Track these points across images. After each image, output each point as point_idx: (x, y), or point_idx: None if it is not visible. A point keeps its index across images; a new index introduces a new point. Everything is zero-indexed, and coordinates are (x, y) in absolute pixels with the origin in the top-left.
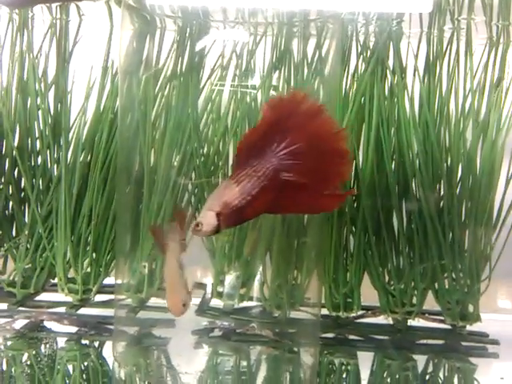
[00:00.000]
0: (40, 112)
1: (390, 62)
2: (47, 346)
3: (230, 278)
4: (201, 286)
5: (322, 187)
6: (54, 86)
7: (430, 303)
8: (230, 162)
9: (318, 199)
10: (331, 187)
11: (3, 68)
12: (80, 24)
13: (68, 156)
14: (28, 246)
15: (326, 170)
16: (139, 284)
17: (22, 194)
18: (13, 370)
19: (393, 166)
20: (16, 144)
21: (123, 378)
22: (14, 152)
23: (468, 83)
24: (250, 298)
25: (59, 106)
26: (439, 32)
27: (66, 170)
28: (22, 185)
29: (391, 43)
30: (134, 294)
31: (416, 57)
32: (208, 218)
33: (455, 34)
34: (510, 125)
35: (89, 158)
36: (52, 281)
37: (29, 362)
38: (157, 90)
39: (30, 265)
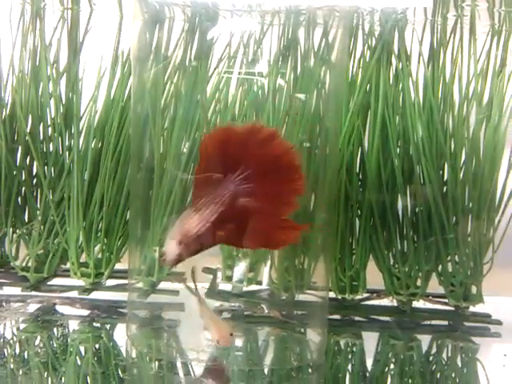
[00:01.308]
0: (52, 100)
1: (395, 49)
2: (60, 328)
3: (238, 265)
4: (210, 270)
5: (279, 208)
6: (65, 74)
7: (434, 286)
8: None
9: (276, 229)
10: (288, 207)
11: (15, 57)
12: (91, 14)
13: (80, 143)
14: (41, 231)
15: (281, 190)
16: (150, 268)
17: (35, 180)
18: (26, 351)
19: (398, 150)
20: (28, 131)
21: (136, 357)
22: (28, 138)
23: (471, 69)
24: (258, 282)
25: (71, 94)
26: (443, 19)
27: (78, 156)
28: (34, 172)
29: (396, 31)
30: (145, 277)
31: (420, 44)
32: (170, 247)
33: (459, 21)
34: None
35: (100, 145)
36: (63, 266)
37: (42, 344)
38: (166, 78)
39: (42, 250)
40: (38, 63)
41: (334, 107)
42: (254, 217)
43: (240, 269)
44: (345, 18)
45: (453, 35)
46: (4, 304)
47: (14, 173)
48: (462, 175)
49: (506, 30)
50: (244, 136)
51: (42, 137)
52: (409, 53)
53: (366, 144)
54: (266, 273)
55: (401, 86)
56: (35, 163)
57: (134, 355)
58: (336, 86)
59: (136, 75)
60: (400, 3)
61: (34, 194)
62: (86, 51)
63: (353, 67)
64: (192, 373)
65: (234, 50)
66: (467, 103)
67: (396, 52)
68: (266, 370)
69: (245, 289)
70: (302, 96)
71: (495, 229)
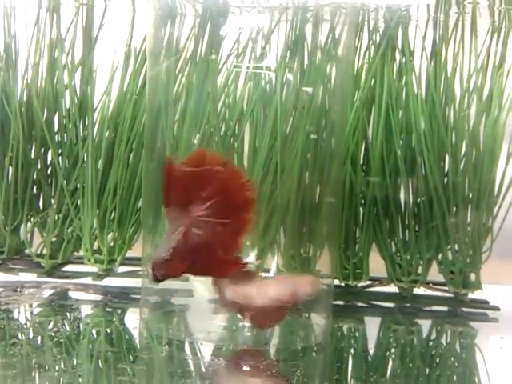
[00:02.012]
0: (67, 92)
1: (399, 45)
2: (73, 312)
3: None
4: None
5: (224, 244)
6: (80, 67)
7: (434, 274)
8: (246, 143)
9: (224, 262)
10: (233, 245)
11: (31, 49)
12: (105, 9)
13: (94, 134)
14: (55, 219)
15: (232, 222)
16: None
17: (50, 170)
18: (40, 335)
19: (401, 142)
20: (44, 120)
21: (148, 338)
22: (44, 128)
23: (472, 64)
24: (266, 269)
25: (85, 86)
26: (445, 16)
27: (92, 147)
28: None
29: (400, 27)
30: None
31: (423, 40)
32: (150, 268)
33: (460, 18)
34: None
35: (113, 135)
36: (77, 253)
37: (56, 328)
38: (178, 70)
39: (56, 238)
40: (54, 56)
41: (340, 101)
42: (207, 252)
43: (247, 257)
44: (351, 14)
45: (454, 32)
46: (19, 289)
47: (31, 162)
48: (462, 166)
49: (506, 27)
50: (201, 169)
51: (57, 127)
52: (412, 48)
53: (370, 136)
54: (273, 260)
55: (404, 80)
56: (50, 153)
57: (146, 336)
58: (342, 80)
59: (150, 68)
60: (403, 0)
61: (49, 183)
62: (100, 45)
63: (358, 62)
64: (199, 353)
65: (242, 46)
66: (468, 97)
67: (400, 48)
68: (272, 351)
69: None
70: (309, 90)
71: (494, 218)
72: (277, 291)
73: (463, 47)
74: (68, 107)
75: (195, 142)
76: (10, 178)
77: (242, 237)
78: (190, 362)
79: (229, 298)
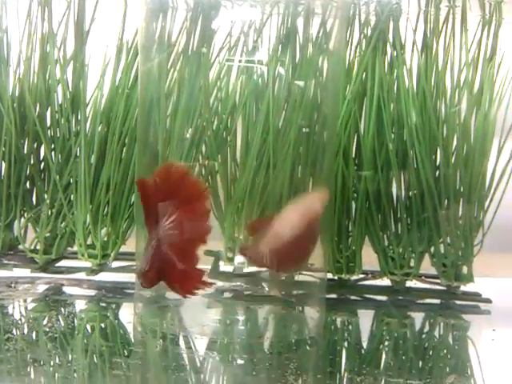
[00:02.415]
0: (60, 87)
1: (390, 38)
2: (68, 307)
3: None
4: (212, 252)
5: (183, 259)
6: (72, 62)
7: (426, 267)
8: (238, 136)
9: (184, 275)
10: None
11: (23, 44)
12: (97, 3)
13: (86, 129)
14: (49, 214)
15: (190, 233)
16: None
17: (42, 165)
18: (35, 330)
19: (392, 135)
20: (36, 115)
21: (142, 333)
22: (36, 123)
23: (463, 58)
24: None
25: (77, 81)
26: (436, 10)
27: (84, 141)
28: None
29: (391, 21)
30: None
31: (414, 33)
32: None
33: (451, 11)
34: (502, 96)
35: (106, 130)
36: (70, 248)
37: (50, 323)
38: (170, 64)
39: (49, 233)
40: (46, 51)
41: (332, 94)
42: (166, 263)
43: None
44: (342, 8)
45: (445, 25)
46: (13, 285)
47: (23, 158)
48: (453, 160)
49: (496, 19)
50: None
51: (49, 122)
52: (403, 42)
53: (362, 129)
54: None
55: (395, 73)
56: (43, 148)
57: (140, 330)
58: (333, 74)
59: (142, 62)
60: None
61: (42, 178)
62: (92, 40)
63: (349, 55)
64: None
65: (234, 39)
66: (459, 90)
67: (391, 41)
68: (266, 344)
69: (246, 270)
70: (300, 83)
71: (485, 212)
72: (295, 217)
73: (454, 41)
74: (60, 102)
75: (187, 136)
76: (2, 174)
77: (198, 247)
78: (185, 355)
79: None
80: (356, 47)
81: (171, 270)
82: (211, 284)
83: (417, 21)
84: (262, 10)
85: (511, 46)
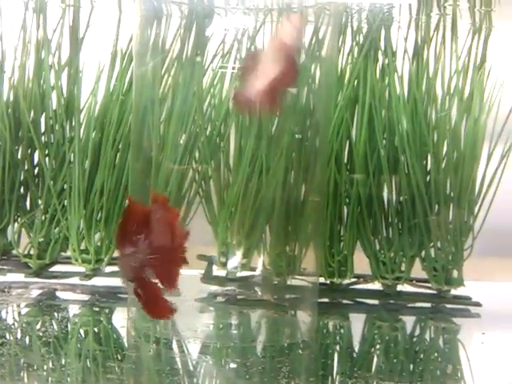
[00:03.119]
0: (54, 93)
1: (381, 46)
2: (61, 312)
3: (233, 253)
4: (205, 257)
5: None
6: (66, 68)
7: (417, 272)
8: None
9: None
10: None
11: (18, 51)
12: (91, 11)
13: (80, 134)
14: (43, 219)
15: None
16: None
17: (36, 170)
18: (29, 335)
19: (384, 141)
20: (31, 121)
21: (136, 337)
22: (31, 129)
23: (453, 65)
24: (252, 268)
25: (72, 87)
26: (427, 18)
27: (78, 147)
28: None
29: (383, 29)
30: None
31: (405, 41)
32: None
33: (441, 19)
34: (492, 103)
35: (100, 136)
36: (64, 253)
37: (44, 328)
38: (164, 71)
39: (43, 238)
40: (40, 57)
41: (324, 101)
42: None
43: (234, 255)
44: (334, 16)
45: (436, 33)
46: (7, 290)
47: (18, 163)
48: (444, 165)
49: (486, 27)
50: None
51: (43, 128)
52: (394, 49)
53: (353, 135)
54: (259, 259)
55: (387, 80)
56: (37, 154)
57: (134, 335)
58: (326, 81)
59: (136, 69)
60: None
61: (36, 183)
62: (87, 46)
63: (342, 63)
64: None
65: (228, 46)
66: (449, 97)
67: (382, 49)
68: (259, 348)
69: (239, 274)
70: (293, 90)
71: (475, 216)
72: (271, 58)
73: (444, 48)
74: (55, 108)
75: (181, 141)
76: None
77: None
78: (178, 359)
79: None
80: (348, 54)
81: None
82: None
83: (408, 29)
84: (255, 17)
85: (501, 53)
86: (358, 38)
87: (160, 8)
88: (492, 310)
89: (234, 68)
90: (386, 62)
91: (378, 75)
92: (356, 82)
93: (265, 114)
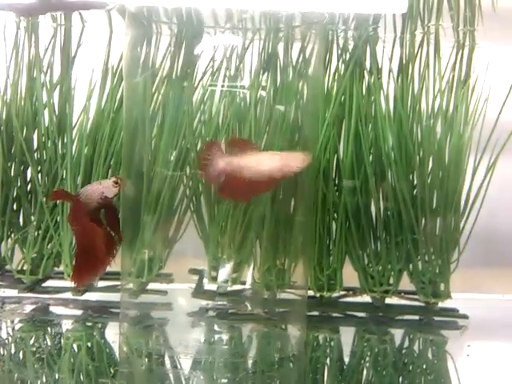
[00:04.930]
0: (46, 111)
1: (367, 64)
2: (54, 327)
3: (224, 267)
4: (196, 271)
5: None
6: (58, 86)
7: (405, 285)
8: None
9: None
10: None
11: (10, 69)
12: (82, 30)
13: (73, 151)
14: (35, 235)
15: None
16: (140, 270)
17: (29, 186)
18: (23, 349)
19: (370, 157)
20: (23, 139)
21: (128, 353)
22: (23, 146)
23: (437, 82)
24: (242, 282)
25: (64, 105)
26: (411, 36)
27: (70, 164)
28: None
29: (368, 47)
30: (135, 278)
31: (390, 59)
32: None
33: (425, 38)
34: (476, 119)
35: (92, 152)
36: (57, 268)
37: (37, 344)
38: (154, 88)
39: (36, 254)
40: (33, 75)
41: (311, 117)
42: None
43: (225, 270)
44: (320, 34)
45: (420, 50)
46: (0, 305)
47: (11, 180)
48: (429, 180)
49: (470, 44)
50: None
51: (36, 145)
52: (380, 67)
53: (341, 151)
54: (249, 273)
55: (372, 98)
56: (30, 170)
57: (125, 350)
58: (313, 98)
59: (127, 86)
60: (375, 10)
61: (29, 200)
62: (78, 64)
63: (328, 80)
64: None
65: (217, 64)
66: (434, 114)
67: (368, 67)
68: (250, 362)
69: (229, 288)
70: (281, 107)
71: (461, 230)
72: (268, 165)
73: (428, 66)
74: (47, 125)
75: (172, 158)
76: None
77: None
78: (170, 374)
79: (219, 167)
80: (334, 72)
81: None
82: None
83: (393, 46)
84: (243, 36)
85: (484, 69)
86: (344, 56)
87: (150, 27)
88: (479, 321)
89: (223, 85)
90: (372, 79)
91: (363, 93)
92: (343, 99)
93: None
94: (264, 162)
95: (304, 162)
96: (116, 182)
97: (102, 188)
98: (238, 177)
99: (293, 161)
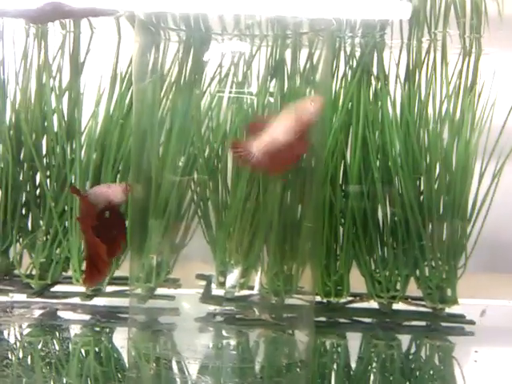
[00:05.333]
0: (55, 116)
1: (374, 70)
2: (63, 332)
3: (231, 272)
4: (204, 276)
5: None
6: (67, 92)
7: (412, 290)
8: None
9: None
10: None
11: (20, 75)
12: (91, 36)
13: (81, 156)
14: (44, 240)
15: None
16: (148, 275)
17: (38, 191)
18: (31, 354)
19: (377, 163)
20: (32, 144)
21: (136, 358)
22: (33, 151)
23: (444, 89)
24: (250, 287)
25: (73, 111)
26: (418, 43)
27: (79, 169)
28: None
29: (375, 53)
30: (144, 283)
31: (397, 65)
32: None
33: (432, 44)
34: (483, 125)
35: (100, 158)
36: (65, 273)
37: (46, 348)
38: (163, 94)
39: (44, 259)
40: (42, 81)
41: (319, 124)
42: None
43: (232, 275)
44: (328, 41)
45: (427, 57)
46: (9, 310)
47: (20, 185)
48: (436, 186)
49: (476, 51)
50: None
51: (45, 150)
52: (387, 73)
53: (348, 157)
54: (256, 278)
55: (380, 104)
56: (39, 175)
57: (134, 355)
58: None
59: (136, 91)
60: (380, 15)
61: (38, 205)
62: (87, 70)
63: (335, 86)
64: (187, 371)
65: (225, 71)
66: (440, 119)
67: (375, 73)
68: (257, 368)
69: (237, 294)
70: None
71: (468, 236)
72: (290, 122)
73: (435, 72)
74: (56, 131)
75: (180, 164)
76: None
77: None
78: (178, 379)
79: (253, 152)
80: (342, 79)
81: None
82: None
83: (400, 53)
84: (251, 42)
85: (491, 75)
86: (351, 62)
87: (158, 34)
88: (486, 327)
89: (230, 92)
90: (379, 86)
91: (371, 99)
92: (350, 105)
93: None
94: (285, 123)
95: (319, 102)
96: (124, 189)
97: (110, 192)
98: (274, 149)
99: (308, 107)
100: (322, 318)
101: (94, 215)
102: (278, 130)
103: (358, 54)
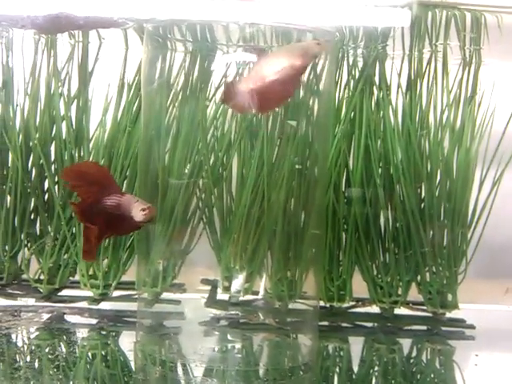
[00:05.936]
0: (64, 124)
1: (376, 80)
2: (70, 336)
3: (236, 277)
4: (209, 281)
5: None
6: (76, 100)
7: (413, 295)
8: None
9: None
10: None
11: (29, 84)
12: (100, 46)
13: None
14: (53, 245)
15: None
16: (154, 280)
17: (46, 197)
18: (39, 358)
19: (379, 171)
20: (41, 151)
21: (143, 361)
22: (41, 159)
23: (445, 98)
24: (254, 292)
25: (81, 118)
26: (419, 54)
27: None
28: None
29: (377, 64)
30: (150, 288)
31: (399, 75)
32: None
33: (433, 55)
34: (483, 134)
35: (108, 164)
36: (72, 278)
37: (54, 351)
38: (169, 102)
39: (52, 264)
40: (51, 90)
41: (322, 132)
42: None
43: (237, 280)
44: (331, 51)
45: (428, 68)
46: (17, 314)
47: (29, 191)
48: (437, 193)
49: (476, 62)
50: None
51: (53, 157)
52: (389, 83)
53: (351, 165)
54: (261, 284)
55: (382, 113)
56: (47, 181)
57: (141, 358)
58: (324, 113)
59: (144, 99)
60: (381, 23)
61: (46, 211)
62: (95, 78)
63: (339, 96)
64: (192, 374)
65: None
66: (441, 128)
67: (377, 83)
68: (261, 371)
69: (241, 298)
70: (293, 123)
71: (468, 242)
72: (287, 58)
73: (436, 82)
74: (64, 137)
75: (186, 171)
76: (8, 206)
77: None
78: (183, 382)
79: (244, 91)
80: (345, 88)
81: None
82: None
83: (401, 63)
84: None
85: (490, 85)
86: (354, 72)
87: (165, 44)
88: (486, 331)
89: None
90: (381, 95)
91: (373, 108)
92: (352, 114)
93: (254, 110)
94: (275, 61)
95: (321, 45)
96: (144, 209)
97: (133, 207)
98: (269, 86)
99: (310, 47)
100: (325, 323)
101: (95, 213)
102: (269, 68)
103: (360, 64)
